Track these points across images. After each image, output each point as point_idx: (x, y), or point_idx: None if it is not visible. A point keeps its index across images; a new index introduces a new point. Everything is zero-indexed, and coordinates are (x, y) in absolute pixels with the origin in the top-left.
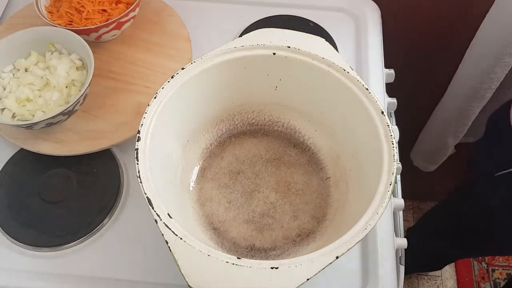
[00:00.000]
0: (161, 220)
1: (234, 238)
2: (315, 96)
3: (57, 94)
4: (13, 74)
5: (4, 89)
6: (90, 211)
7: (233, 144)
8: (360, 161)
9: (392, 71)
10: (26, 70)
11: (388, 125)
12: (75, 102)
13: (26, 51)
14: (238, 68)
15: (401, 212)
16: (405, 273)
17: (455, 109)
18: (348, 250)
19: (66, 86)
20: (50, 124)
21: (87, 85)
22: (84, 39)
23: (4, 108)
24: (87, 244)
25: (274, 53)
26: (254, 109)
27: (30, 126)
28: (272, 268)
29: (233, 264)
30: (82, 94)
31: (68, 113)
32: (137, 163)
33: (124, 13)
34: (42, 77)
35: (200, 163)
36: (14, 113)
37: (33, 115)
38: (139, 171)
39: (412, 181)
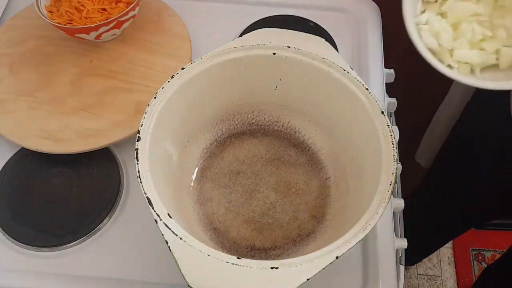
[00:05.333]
0: (161, 220)
1: (234, 238)
2: (315, 96)
3: None
4: None
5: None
6: (90, 211)
7: (233, 144)
8: (360, 161)
9: (392, 71)
10: None
11: (388, 125)
12: None
13: None
14: (238, 68)
15: (401, 212)
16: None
17: (460, 105)
18: (348, 250)
19: None
20: None
21: None
22: (84, 38)
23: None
24: (87, 244)
25: (274, 53)
26: (254, 109)
27: None
28: (272, 268)
29: (233, 264)
30: None
31: None
32: (137, 163)
33: (123, 12)
34: None
35: (200, 163)
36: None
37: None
38: (139, 171)
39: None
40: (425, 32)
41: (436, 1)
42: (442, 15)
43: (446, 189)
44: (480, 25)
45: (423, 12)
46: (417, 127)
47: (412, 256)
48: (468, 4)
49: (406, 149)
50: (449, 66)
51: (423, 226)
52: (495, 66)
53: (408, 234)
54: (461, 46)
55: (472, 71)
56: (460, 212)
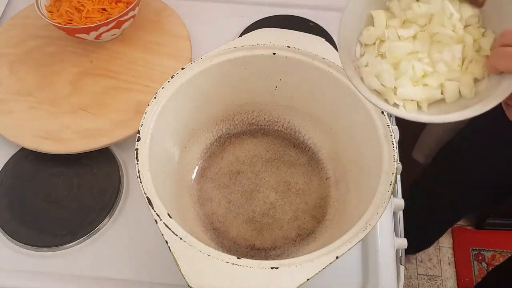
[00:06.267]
0: (161, 220)
1: (234, 238)
2: (315, 96)
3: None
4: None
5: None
6: (90, 211)
7: (233, 144)
8: (360, 161)
9: None
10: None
11: (388, 125)
12: None
13: None
14: (238, 68)
15: (401, 212)
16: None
17: None
18: (348, 250)
19: None
20: None
21: None
22: (84, 38)
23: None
24: (87, 244)
25: (274, 53)
26: (254, 109)
27: None
28: (272, 268)
29: (233, 264)
30: None
31: None
32: (137, 163)
33: (123, 12)
34: None
35: (200, 163)
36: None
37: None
38: (139, 171)
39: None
40: (367, 74)
41: (374, 44)
42: (382, 56)
43: (445, 182)
44: (420, 62)
45: (362, 55)
46: (417, 126)
47: (414, 246)
48: (405, 43)
49: (405, 147)
50: (395, 104)
51: (423, 216)
52: (441, 101)
53: (409, 224)
54: (403, 84)
55: (419, 107)
56: (458, 200)
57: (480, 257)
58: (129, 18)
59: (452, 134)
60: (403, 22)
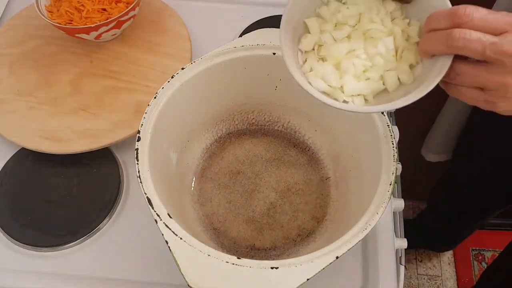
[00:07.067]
0: (161, 220)
1: (234, 238)
2: None
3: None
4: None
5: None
6: (90, 211)
7: (233, 144)
8: (360, 161)
9: None
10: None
11: (388, 125)
12: None
13: None
14: (238, 68)
15: (401, 212)
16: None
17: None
18: (348, 250)
19: None
20: None
21: None
22: (84, 38)
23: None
24: (87, 244)
25: (274, 53)
26: (254, 109)
27: None
28: (272, 268)
29: (233, 264)
30: None
31: None
32: (137, 163)
33: (123, 12)
34: None
35: (200, 163)
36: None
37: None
38: (139, 171)
39: (412, 181)
40: (313, 78)
41: (313, 49)
42: (323, 59)
43: (470, 175)
44: (358, 58)
45: (305, 61)
46: (422, 124)
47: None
48: (341, 44)
49: (413, 147)
50: (345, 101)
51: (450, 216)
52: (386, 91)
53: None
54: (348, 82)
55: (366, 101)
56: (488, 194)
57: (480, 257)
58: (129, 18)
59: (457, 128)
60: (335, 25)
